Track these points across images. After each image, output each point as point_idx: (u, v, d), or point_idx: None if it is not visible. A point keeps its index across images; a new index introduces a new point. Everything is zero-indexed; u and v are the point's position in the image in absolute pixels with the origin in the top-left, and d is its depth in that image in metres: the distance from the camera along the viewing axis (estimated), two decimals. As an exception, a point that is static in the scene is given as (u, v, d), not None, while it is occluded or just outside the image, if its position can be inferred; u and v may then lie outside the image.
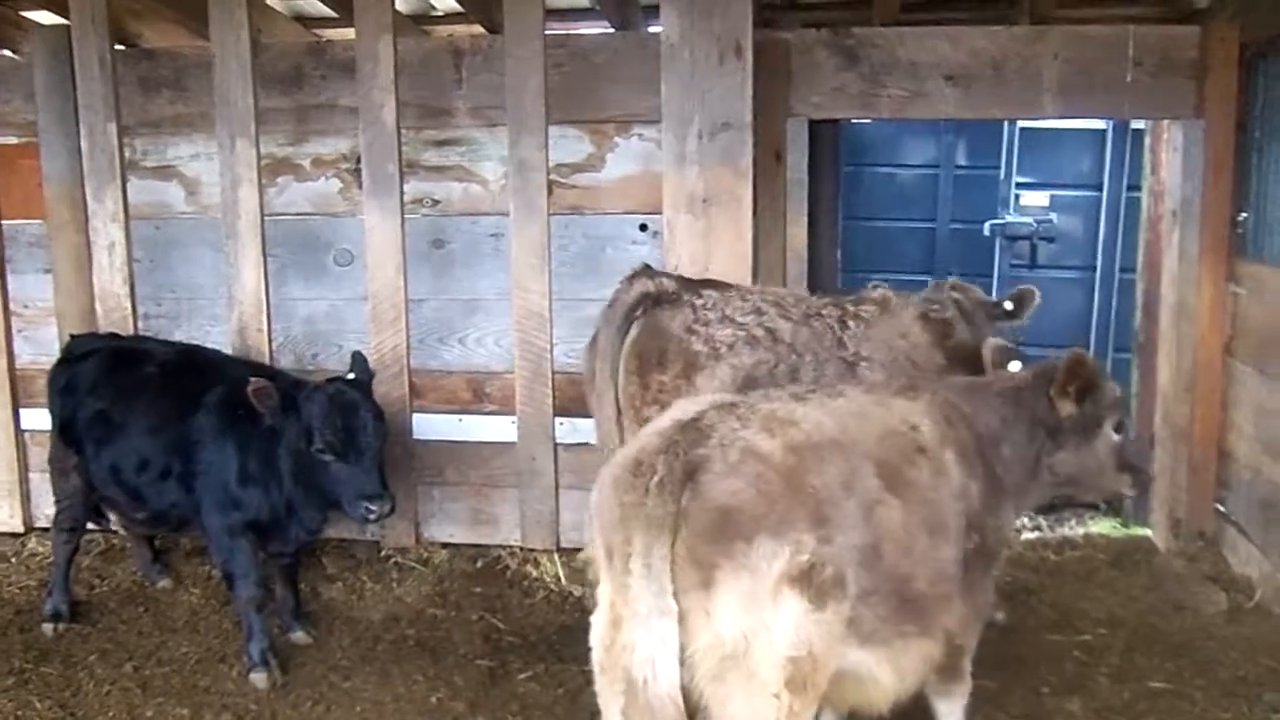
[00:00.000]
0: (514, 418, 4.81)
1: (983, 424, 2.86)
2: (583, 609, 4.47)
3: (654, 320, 3.55)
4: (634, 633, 2.20)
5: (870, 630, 2.43)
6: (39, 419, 4.78)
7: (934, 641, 2.62)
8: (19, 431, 5.20)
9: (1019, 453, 2.92)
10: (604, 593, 2.41)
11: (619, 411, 3.62)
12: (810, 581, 2.23)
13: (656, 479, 2.24)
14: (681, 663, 2.18)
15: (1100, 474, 3.05)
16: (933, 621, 2.58)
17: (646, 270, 3.80)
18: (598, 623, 2.43)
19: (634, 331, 3.57)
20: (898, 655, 2.55)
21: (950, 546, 2.59)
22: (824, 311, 3.64)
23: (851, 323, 3.62)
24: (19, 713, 3.71)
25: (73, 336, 4.64)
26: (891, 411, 2.69)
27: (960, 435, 2.75)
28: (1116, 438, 3.03)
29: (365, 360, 4.16)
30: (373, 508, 3.74)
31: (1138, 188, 5.61)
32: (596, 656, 2.43)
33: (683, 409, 2.52)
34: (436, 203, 5.02)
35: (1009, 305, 4.08)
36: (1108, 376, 3.07)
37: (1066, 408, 2.95)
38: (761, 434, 2.35)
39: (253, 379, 3.76)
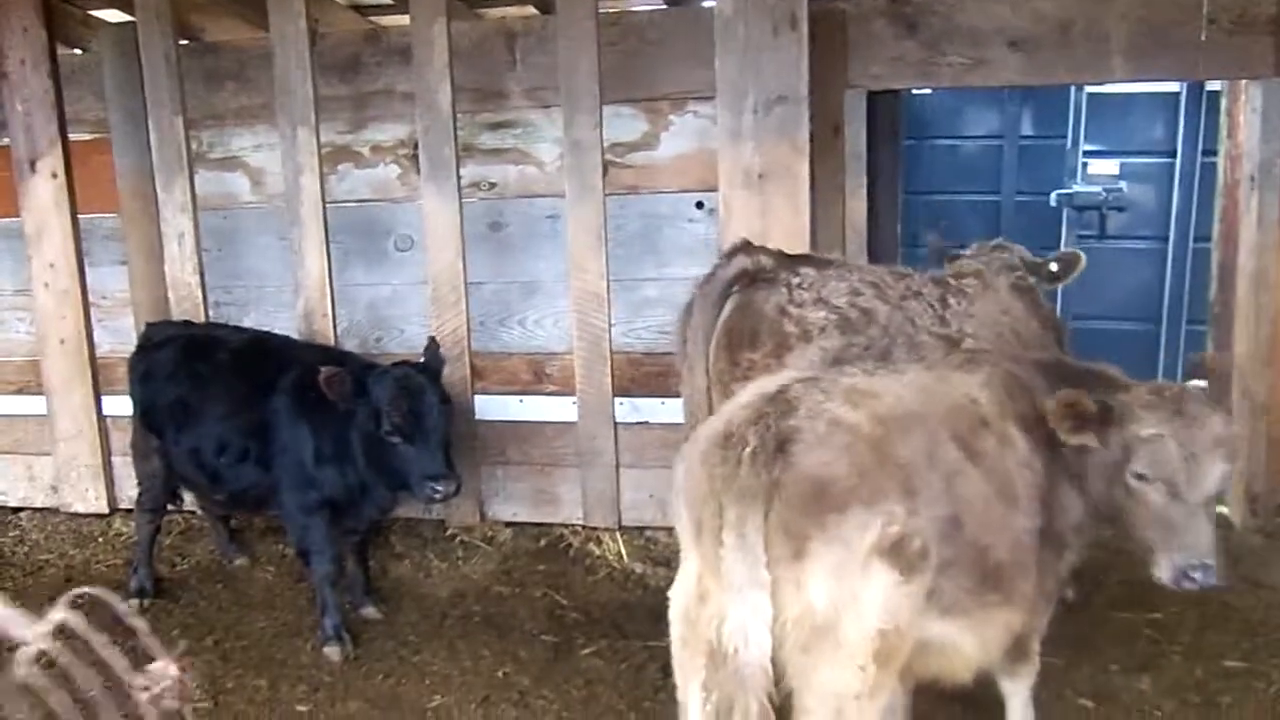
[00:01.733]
0: (574, 398, 4.85)
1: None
2: (644, 586, 4.52)
3: (748, 299, 3.53)
4: (726, 604, 2.20)
5: (951, 601, 2.43)
6: (120, 405, 4.95)
7: (1016, 611, 2.60)
8: (101, 417, 5.39)
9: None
10: (689, 567, 2.40)
11: (709, 386, 3.63)
12: (900, 553, 2.22)
13: (749, 450, 2.23)
14: (770, 633, 2.19)
15: (1130, 524, 2.68)
16: (1014, 590, 2.55)
17: (746, 246, 3.75)
18: (681, 597, 2.42)
19: (728, 309, 3.56)
20: (980, 625, 2.54)
21: (1024, 516, 2.56)
22: (924, 290, 3.57)
23: (953, 299, 3.55)
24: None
25: (148, 324, 4.79)
26: (952, 385, 2.66)
27: (1022, 408, 2.69)
28: (1155, 497, 2.58)
29: (438, 347, 4.24)
30: (439, 488, 3.82)
31: (1213, 153, 5.40)
32: (678, 631, 2.42)
33: (764, 383, 2.52)
34: (493, 185, 5.05)
35: (1054, 267, 4.04)
36: (1120, 411, 2.59)
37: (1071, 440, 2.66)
38: (845, 406, 2.35)
39: (324, 367, 3.85)
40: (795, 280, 3.52)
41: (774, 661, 2.20)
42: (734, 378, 3.44)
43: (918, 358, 3.30)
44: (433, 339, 4.32)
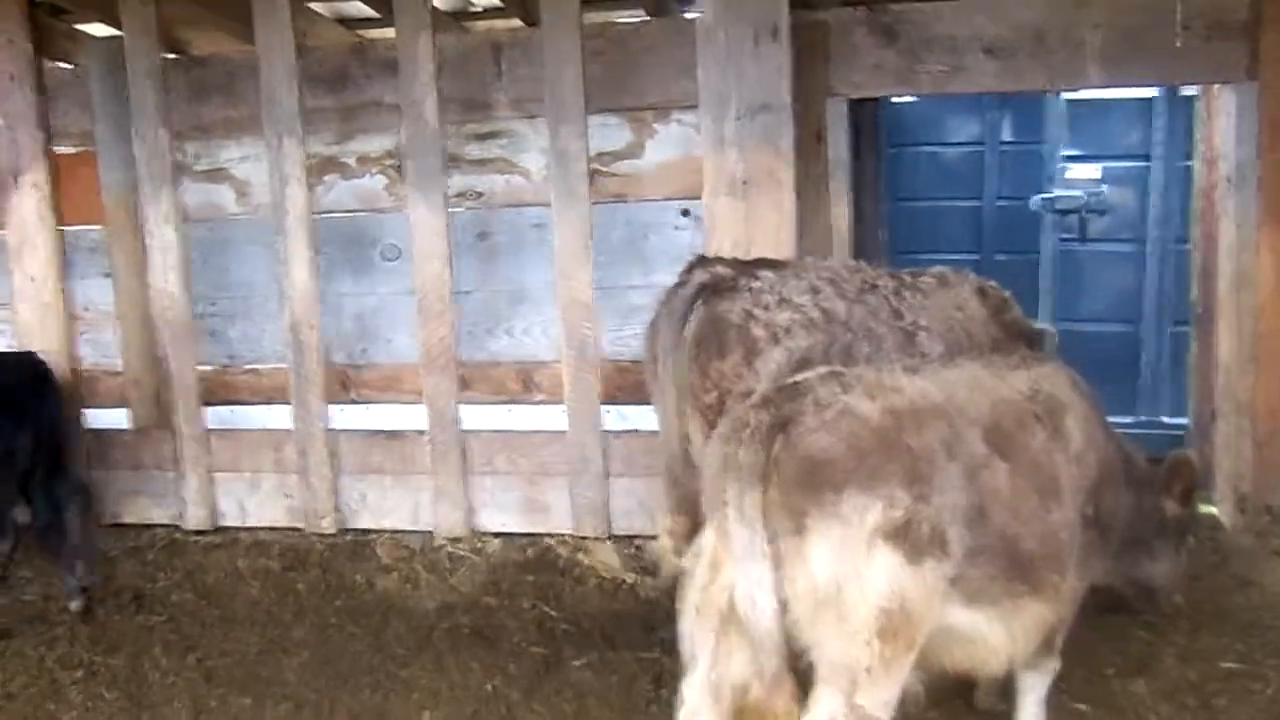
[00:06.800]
0: (562, 407, 4.84)
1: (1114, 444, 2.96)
2: (635, 596, 4.50)
3: (712, 310, 3.55)
4: (735, 573, 2.36)
5: (977, 589, 2.50)
6: (103, 419, 5.01)
7: (1046, 603, 2.67)
8: (83, 431, 5.33)
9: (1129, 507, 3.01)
10: (707, 538, 2.56)
11: (678, 403, 3.65)
12: (906, 536, 2.30)
13: (749, 430, 2.40)
14: (783, 605, 2.32)
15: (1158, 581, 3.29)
16: (1043, 581, 2.63)
17: (702, 260, 3.81)
18: (698, 567, 2.56)
19: (693, 322, 3.58)
20: (1008, 616, 2.60)
21: (1063, 510, 2.65)
22: (880, 283, 3.62)
23: (908, 293, 3.60)
24: (89, 704, 3.82)
25: None
26: (1005, 380, 2.76)
27: (1084, 407, 2.82)
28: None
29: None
30: None
31: (1191, 156, 5.48)
32: (693, 598, 2.56)
33: (787, 378, 2.71)
34: (480, 195, 5.05)
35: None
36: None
37: (1171, 506, 3.15)
38: (863, 398, 2.46)
39: None
40: (755, 284, 3.55)
41: (791, 632, 2.34)
42: (704, 389, 3.46)
43: (878, 350, 3.38)
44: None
